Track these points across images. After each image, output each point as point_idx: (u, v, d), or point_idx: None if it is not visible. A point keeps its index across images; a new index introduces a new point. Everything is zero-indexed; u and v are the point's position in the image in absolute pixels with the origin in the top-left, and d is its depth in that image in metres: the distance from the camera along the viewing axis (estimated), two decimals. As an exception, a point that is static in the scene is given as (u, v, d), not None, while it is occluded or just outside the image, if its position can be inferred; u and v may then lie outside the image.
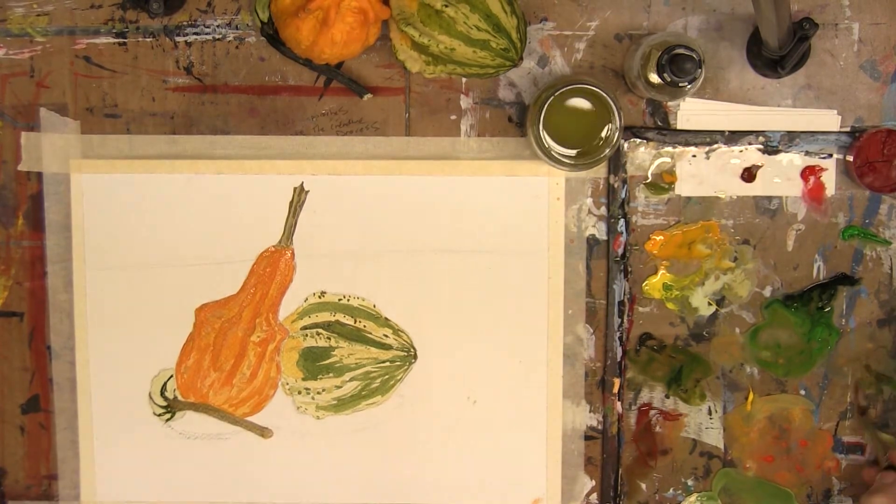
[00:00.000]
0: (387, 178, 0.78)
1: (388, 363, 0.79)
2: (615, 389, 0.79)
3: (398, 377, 0.79)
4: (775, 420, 0.80)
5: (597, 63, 0.77)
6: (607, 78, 0.77)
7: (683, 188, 0.78)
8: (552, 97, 0.72)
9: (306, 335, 0.79)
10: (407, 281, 0.78)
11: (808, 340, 0.79)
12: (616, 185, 0.78)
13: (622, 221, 0.78)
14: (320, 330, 0.79)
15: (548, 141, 0.72)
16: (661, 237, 0.78)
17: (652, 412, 0.80)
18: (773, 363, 0.79)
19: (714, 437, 0.80)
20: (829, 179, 0.78)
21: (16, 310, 0.79)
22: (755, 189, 0.78)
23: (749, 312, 0.79)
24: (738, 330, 0.79)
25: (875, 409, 0.80)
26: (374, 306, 0.79)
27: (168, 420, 0.79)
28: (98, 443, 0.79)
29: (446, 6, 0.71)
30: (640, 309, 0.79)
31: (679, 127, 0.78)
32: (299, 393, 0.79)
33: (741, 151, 0.78)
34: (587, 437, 0.80)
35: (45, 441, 0.79)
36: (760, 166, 0.78)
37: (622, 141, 0.77)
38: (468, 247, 0.78)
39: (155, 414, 0.79)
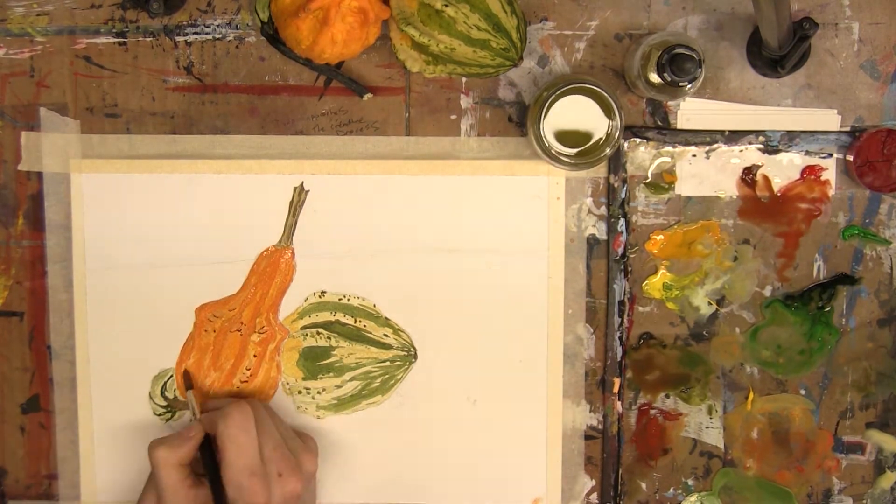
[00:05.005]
0: (387, 177, 0.78)
1: (388, 363, 0.79)
2: (615, 389, 0.79)
3: (398, 377, 0.79)
4: (775, 420, 0.80)
5: (597, 63, 0.77)
6: (607, 77, 0.77)
7: (683, 188, 0.78)
8: (553, 96, 0.72)
9: (306, 335, 0.79)
10: (407, 280, 0.78)
11: (808, 340, 0.79)
12: (616, 185, 0.78)
13: (622, 221, 0.78)
14: (320, 329, 0.79)
15: (549, 140, 0.72)
16: (662, 237, 0.78)
17: (652, 412, 0.80)
18: (773, 363, 0.79)
19: (714, 436, 0.80)
20: (829, 179, 0.78)
21: (16, 309, 0.79)
22: (755, 189, 0.78)
23: (749, 312, 0.79)
24: (738, 329, 0.79)
25: (875, 409, 0.80)
26: (374, 306, 0.79)
27: (168, 420, 0.79)
28: (98, 442, 0.79)
29: (446, 6, 0.71)
30: (641, 308, 0.79)
31: (679, 126, 0.78)
32: (299, 393, 0.79)
33: (741, 151, 0.78)
34: (587, 437, 0.80)
35: (46, 441, 0.79)
36: (760, 166, 0.78)
37: (622, 140, 0.77)
38: (468, 246, 0.78)
39: (155, 414, 0.79)
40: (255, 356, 0.79)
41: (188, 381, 0.78)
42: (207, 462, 0.71)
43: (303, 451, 0.72)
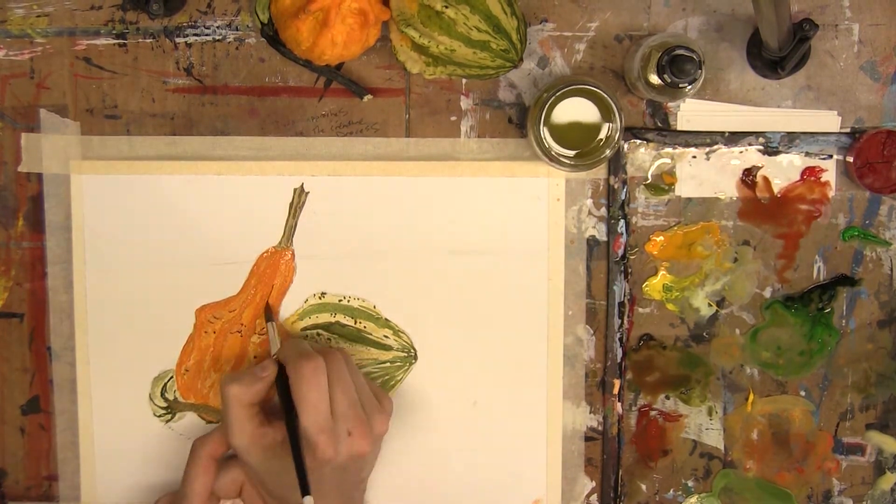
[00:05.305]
0: (387, 179, 0.78)
1: (388, 364, 0.79)
2: (615, 390, 0.79)
3: (399, 378, 0.79)
4: (775, 421, 0.80)
5: (597, 64, 0.77)
6: (607, 79, 0.77)
7: (683, 189, 0.78)
8: (553, 97, 0.72)
9: (307, 336, 0.79)
10: (407, 281, 0.78)
11: (808, 341, 0.79)
12: (616, 186, 0.78)
13: (622, 222, 0.78)
14: (320, 331, 0.79)
15: (549, 141, 0.72)
16: (662, 238, 0.78)
17: (652, 413, 0.80)
18: (773, 364, 0.79)
19: (714, 437, 0.80)
20: (829, 180, 0.78)
21: (16, 311, 0.79)
22: (756, 190, 0.78)
23: (749, 313, 0.79)
24: (738, 331, 0.79)
25: (875, 410, 0.80)
26: (375, 307, 0.79)
27: (168, 421, 0.79)
28: (98, 444, 0.79)
29: (446, 7, 0.71)
30: (641, 310, 0.79)
31: (679, 128, 0.78)
32: (299, 394, 0.79)
33: (741, 152, 0.78)
34: (587, 438, 0.80)
35: (46, 442, 0.79)
36: (760, 167, 0.78)
37: (622, 142, 0.77)
38: (468, 247, 0.78)
39: (155, 415, 0.79)
40: (255, 358, 0.79)
41: (269, 313, 0.77)
42: (284, 397, 0.71)
43: (376, 412, 0.72)
